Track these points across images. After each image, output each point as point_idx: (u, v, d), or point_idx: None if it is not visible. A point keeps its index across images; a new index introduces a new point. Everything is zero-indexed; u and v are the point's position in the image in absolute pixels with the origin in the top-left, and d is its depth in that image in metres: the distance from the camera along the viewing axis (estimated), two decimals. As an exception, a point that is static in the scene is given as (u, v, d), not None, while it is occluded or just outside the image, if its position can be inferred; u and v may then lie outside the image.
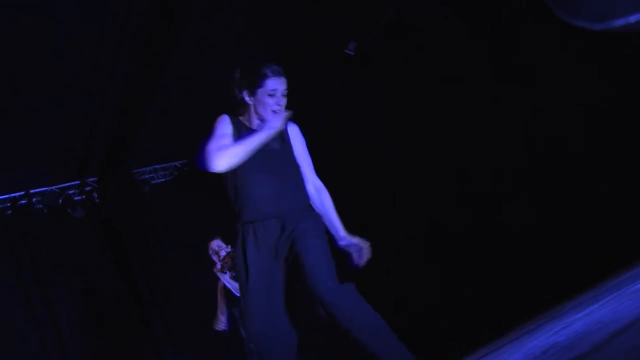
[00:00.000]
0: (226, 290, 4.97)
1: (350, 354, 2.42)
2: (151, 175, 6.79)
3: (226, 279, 4.87)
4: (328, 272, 2.40)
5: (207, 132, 2.61)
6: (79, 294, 5.95)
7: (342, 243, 2.62)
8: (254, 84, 2.58)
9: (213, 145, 2.49)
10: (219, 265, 4.94)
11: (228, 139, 2.55)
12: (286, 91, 2.63)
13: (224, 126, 2.61)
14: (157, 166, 6.81)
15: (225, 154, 2.47)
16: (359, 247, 2.57)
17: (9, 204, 5.91)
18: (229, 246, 5.00)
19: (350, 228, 2.68)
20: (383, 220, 6.02)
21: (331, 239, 2.65)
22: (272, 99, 2.58)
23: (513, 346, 2.72)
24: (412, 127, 5.69)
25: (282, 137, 2.69)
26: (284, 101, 2.62)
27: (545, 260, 4.52)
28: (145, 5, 4.47)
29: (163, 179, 6.87)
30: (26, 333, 5.56)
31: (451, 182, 5.35)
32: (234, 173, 2.57)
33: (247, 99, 2.62)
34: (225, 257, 4.96)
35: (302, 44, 5.44)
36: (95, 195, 6.44)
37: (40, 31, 4.20)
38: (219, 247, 5.05)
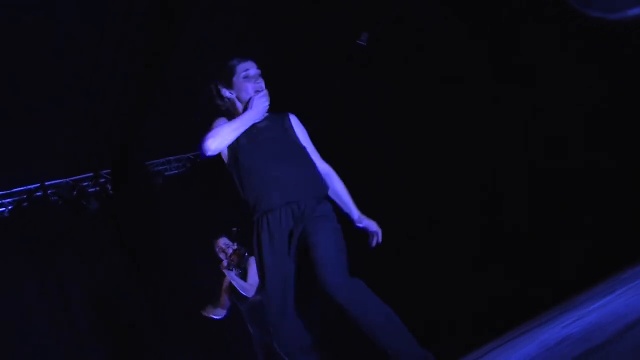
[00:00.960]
0: (232, 288, 4.98)
1: (364, 348, 2.44)
2: (165, 167, 6.83)
3: (233, 277, 4.88)
4: (336, 268, 2.40)
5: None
6: (92, 287, 5.99)
7: (359, 225, 2.77)
8: (227, 74, 2.70)
9: (207, 134, 2.59)
10: (225, 263, 4.95)
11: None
12: (260, 73, 2.72)
13: (219, 122, 2.70)
14: (170, 158, 6.86)
15: (216, 136, 2.57)
16: (374, 229, 2.76)
17: (25, 196, 6.02)
18: (236, 244, 5.02)
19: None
20: (383, 220, 6.02)
21: (349, 221, 2.75)
22: (249, 82, 2.68)
23: (527, 338, 2.71)
24: (412, 127, 5.68)
25: (284, 125, 2.74)
26: (262, 82, 2.71)
27: (544, 260, 4.52)
28: (145, 5, 4.47)
29: (177, 171, 6.91)
30: (39, 324, 5.61)
31: (451, 183, 5.35)
32: (238, 164, 2.62)
33: (228, 94, 2.72)
34: (232, 254, 4.98)
35: (302, 44, 5.44)
36: (110, 187, 6.51)
37: (40, 31, 4.20)
38: (226, 246, 5.06)
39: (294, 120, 2.80)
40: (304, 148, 2.72)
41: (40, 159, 5.75)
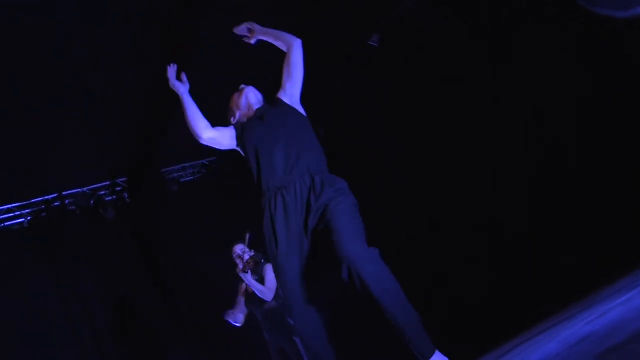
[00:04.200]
0: (248, 294, 4.99)
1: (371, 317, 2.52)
2: (180, 174, 6.85)
3: (248, 279, 4.89)
4: (359, 238, 2.53)
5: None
6: (110, 294, 6.01)
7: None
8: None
9: None
10: (241, 266, 4.96)
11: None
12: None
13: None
14: (185, 164, 6.89)
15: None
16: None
17: (43, 206, 6.10)
18: (252, 250, 5.04)
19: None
20: (383, 220, 6.02)
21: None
22: (236, 92, 3.28)
23: (548, 335, 2.67)
24: (412, 127, 5.68)
25: (281, 105, 3.04)
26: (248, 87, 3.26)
27: (542, 262, 4.52)
28: (145, 6, 4.47)
29: (192, 177, 6.94)
30: (59, 331, 5.62)
31: (451, 182, 5.35)
32: (246, 149, 2.87)
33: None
34: (248, 260, 5.00)
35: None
36: (126, 195, 6.54)
37: (40, 31, 4.19)
38: (242, 252, 5.08)
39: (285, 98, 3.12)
40: (302, 120, 3.01)
41: (57, 169, 5.76)
